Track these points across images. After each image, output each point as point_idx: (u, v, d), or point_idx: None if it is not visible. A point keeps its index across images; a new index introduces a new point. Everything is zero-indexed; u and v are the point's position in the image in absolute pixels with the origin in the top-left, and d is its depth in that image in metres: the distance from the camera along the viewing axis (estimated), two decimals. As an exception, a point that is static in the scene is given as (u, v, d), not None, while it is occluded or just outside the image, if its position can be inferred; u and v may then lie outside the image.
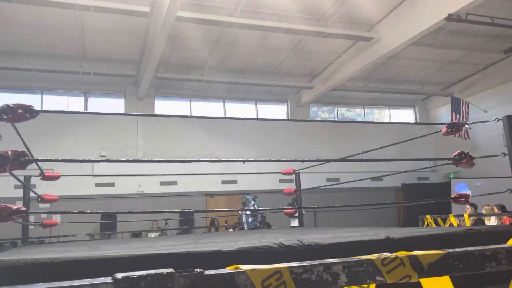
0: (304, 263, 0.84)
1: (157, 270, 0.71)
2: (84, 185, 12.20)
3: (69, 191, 10.71)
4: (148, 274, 0.69)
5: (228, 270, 0.79)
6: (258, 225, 9.73)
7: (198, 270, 0.74)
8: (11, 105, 2.35)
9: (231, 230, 10.99)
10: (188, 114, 15.46)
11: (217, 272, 0.77)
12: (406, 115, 18.82)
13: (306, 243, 2.06)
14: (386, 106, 18.45)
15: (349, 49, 12.96)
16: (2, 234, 10.53)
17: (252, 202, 10.92)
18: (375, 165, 13.21)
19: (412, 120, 18.40)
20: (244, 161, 2.76)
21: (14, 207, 2.30)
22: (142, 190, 13.58)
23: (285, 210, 5.67)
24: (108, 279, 0.68)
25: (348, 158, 5.00)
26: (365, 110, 18.35)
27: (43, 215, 9.40)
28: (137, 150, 14.16)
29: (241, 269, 0.78)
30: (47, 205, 9.25)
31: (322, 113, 18.09)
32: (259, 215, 11.40)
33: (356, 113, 18.52)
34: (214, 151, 14.46)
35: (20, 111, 2.34)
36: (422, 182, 16.94)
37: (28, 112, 2.37)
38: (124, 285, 0.67)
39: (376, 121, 18.34)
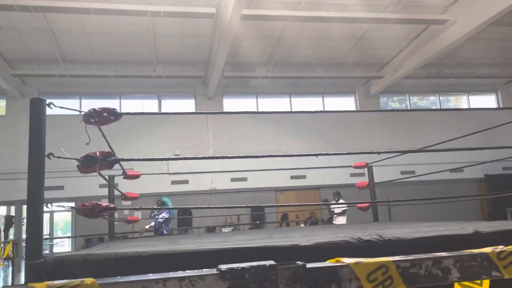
0: (411, 257, 0.80)
1: (259, 262, 0.72)
2: (161, 183, 12.82)
3: (148, 189, 11.32)
4: (252, 266, 0.71)
5: (330, 263, 0.77)
6: (165, 232, 7.69)
7: (300, 262, 0.73)
8: (97, 109, 2.53)
9: (302, 225, 10.97)
10: (256, 111, 15.64)
11: (319, 265, 0.76)
12: (487, 101, 17.45)
13: (386, 238, 1.99)
14: (464, 92, 17.26)
15: (421, 34, 12.30)
16: (91, 230, 11.43)
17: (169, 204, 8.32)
18: (453, 155, 12.42)
19: (494, 106, 17.03)
20: (317, 155, 2.72)
21: (104, 204, 2.48)
22: (215, 186, 13.99)
23: (358, 205, 5.52)
24: (213, 271, 0.70)
25: (426, 149, 4.75)
26: (440, 97, 17.30)
27: (126, 212, 10.04)
28: (208, 148, 14.62)
29: (344, 262, 0.76)
30: (129, 203, 9.87)
31: (393, 103, 17.37)
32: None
33: (430, 101, 17.53)
34: (282, 146, 14.50)
35: (105, 114, 2.51)
36: (508, 172, 15.62)
37: (112, 115, 2.53)
38: (229, 277, 0.69)
39: (453, 108, 17.23)
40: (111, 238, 5.67)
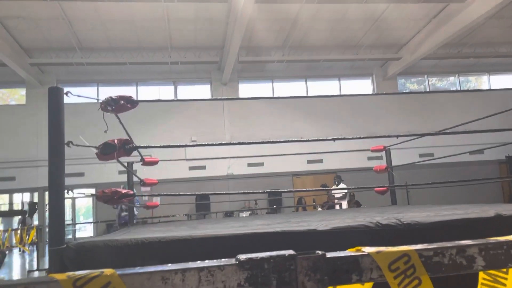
0: (434, 245, 0.79)
1: (278, 252, 0.72)
2: (179, 169, 12.95)
3: (166, 175, 11.46)
4: (271, 256, 0.70)
5: (350, 252, 0.76)
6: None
7: (319, 252, 0.73)
8: (114, 97, 2.55)
9: (319, 209, 10.98)
10: (271, 96, 15.56)
11: (339, 255, 0.75)
12: (509, 81, 16.97)
13: (405, 222, 1.97)
14: (485, 72, 16.82)
15: (440, 14, 11.95)
16: (112, 215, 11.67)
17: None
18: (473, 137, 12.19)
19: (517, 86, 16.55)
20: (334, 139, 2.69)
21: (123, 191, 2.52)
22: (232, 172, 14.06)
23: (376, 188, 5.48)
24: (232, 261, 0.70)
25: (445, 131, 4.66)
26: (459, 78, 16.90)
27: (145, 198, 10.20)
28: (225, 134, 14.66)
29: (364, 252, 0.75)
30: (148, 189, 10.02)
31: (411, 84, 17.05)
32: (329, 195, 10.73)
33: (449, 82, 17.15)
34: (298, 131, 14.43)
35: (122, 102, 2.53)
36: (531, 154, 15.26)
37: (129, 103, 2.55)
38: (248, 267, 0.69)
39: (473, 89, 16.83)
40: (131, 223, 5.77)
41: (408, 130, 13.82)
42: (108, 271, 0.58)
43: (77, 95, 2.47)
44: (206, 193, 3.14)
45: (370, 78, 16.30)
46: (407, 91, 16.74)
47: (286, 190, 14.26)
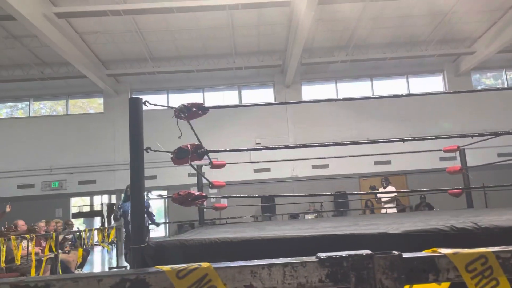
0: (511, 248, 0.78)
1: (356, 251, 0.76)
2: (244, 171, 13.19)
3: (232, 177, 11.73)
4: (349, 255, 0.74)
5: (426, 253, 0.78)
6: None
7: (396, 252, 0.76)
8: (186, 104, 2.70)
9: (390, 211, 10.61)
10: (334, 97, 15.34)
11: (416, 255, 0.77)
12: None
13: (483, 226, 1.88)
14: None
15: (519, 2, 11.09)
16: (182, 216, 12.19)
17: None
18: (561, 135, 11.16)
19: None
20: (403, 140, 2.63)
21: (196, 193, 2.66)
22: (296, 174, 14.07)
23: (450, 191, 5.21)
24: (313, 258, 0.75)
25: (526, 130, 4.33)
26: (544, 70, 15.53)
27: (213, 199, 10.53)
28: (288, 136, 14.71)
29: (441, 253, 0.77)
30: (215, 191, 10.33)
31: (487, 79, 15.95)
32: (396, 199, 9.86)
33: (531, 75, 15.82)
34: (364, 131, 14.10)
35: (194, 109, 2.67)
36: None
37: (200, 109, 2.69)
38: (328, 264, 0.73)
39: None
40: (201, 224, 5.99)
41: (484, 128, 12.97)
42: (204, 264, 0.66)
43: (153, 103, 2.65)
44: (273, 195, 3.21)
45: (440, 75, 15.50)
46: (482, 87, 15.68)
47: (349, 192, 13.96)
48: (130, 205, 5.80)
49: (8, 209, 7.88)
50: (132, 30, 11.61)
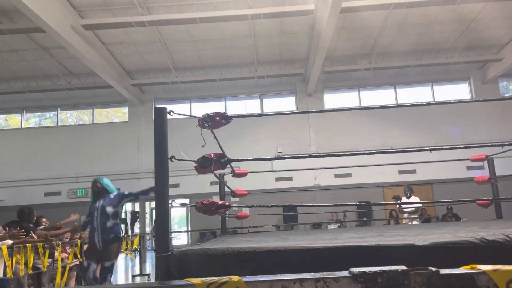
0: None
1: (390, 267, 0.74)
2: (266, 180, 13.17)
3: (254, 186, 11.71)
4: (383, 271, 0.73)
5: (465, 270, 0.76)
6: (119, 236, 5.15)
7: (433, 268, 0.73)
8: (210, 114, 2.72)
9: (414, 222, 10.38)
10: (357, 105, 15.20)
11: (454, 272, 0.75)
12: None
13: (515, 239, 1.82)
14: None
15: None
16: (204, 225, 12.23)
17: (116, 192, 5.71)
18: None
19: None
20: (430, 150, 2.57)
21: (220, 202, 2.66)
22: (318, 183, 13.95)
23: (478, 201, 5.07)
24: (346, 273, 0.74)
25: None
26: None
27: (235, 208, 10.51)
28: (310, 144, 14.62)
29: (480, 269, 0.74)
30: (237, 199, 10.33)
31: (516, 87, 15.53)
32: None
33: None
34: (387, 140, 13.90)
35: (217, 118, 2.69)
36: None
37: (224, 119, 2.71)
38: (362, 280, 0.72)
39: None
40: (223, 232, 6.00)
41: (513, 137, 12.58)
42: (235, 277, 0.65)
43: (178, 113, 2.68)
44: (296, 205, 3.19)
45: (467, 82, 15.17)
46: (510, 94, 15.26)
47: (373, 202, 13.73)
48: (97, 205, 5.57)
49: (74, 217, 6.73)
50: (156, 41, 11.82)
